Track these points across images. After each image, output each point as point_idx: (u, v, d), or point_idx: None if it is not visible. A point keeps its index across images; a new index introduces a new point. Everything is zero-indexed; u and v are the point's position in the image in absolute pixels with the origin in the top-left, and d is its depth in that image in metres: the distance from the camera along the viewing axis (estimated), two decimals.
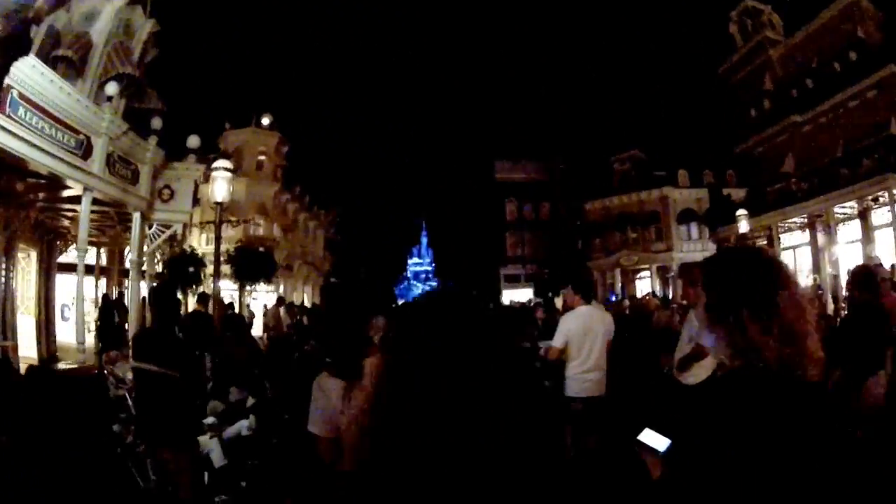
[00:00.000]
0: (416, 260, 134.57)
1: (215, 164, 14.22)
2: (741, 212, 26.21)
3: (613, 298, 44.47)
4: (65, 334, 18.30)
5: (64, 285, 19.70)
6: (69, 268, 21.03)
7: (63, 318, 20.11)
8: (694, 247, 50.66)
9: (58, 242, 20.00)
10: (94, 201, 14.86)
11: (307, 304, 42.58)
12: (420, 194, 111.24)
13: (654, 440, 2.49)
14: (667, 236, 51.60)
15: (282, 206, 45.69)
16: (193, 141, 17.57)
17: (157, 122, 16.90)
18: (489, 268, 66.72)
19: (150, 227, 17.98)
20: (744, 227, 26.05)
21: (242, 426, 8.48)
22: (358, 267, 70.95)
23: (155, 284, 16.61)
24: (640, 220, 52.71)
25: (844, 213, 28.27)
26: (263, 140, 44.97)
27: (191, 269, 19.15)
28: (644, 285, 52.45)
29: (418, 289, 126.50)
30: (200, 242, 38.89)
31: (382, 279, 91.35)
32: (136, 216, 16.42)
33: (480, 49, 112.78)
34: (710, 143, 49.31)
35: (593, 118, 63.58)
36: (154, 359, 5.97)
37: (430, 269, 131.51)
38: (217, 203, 13.92)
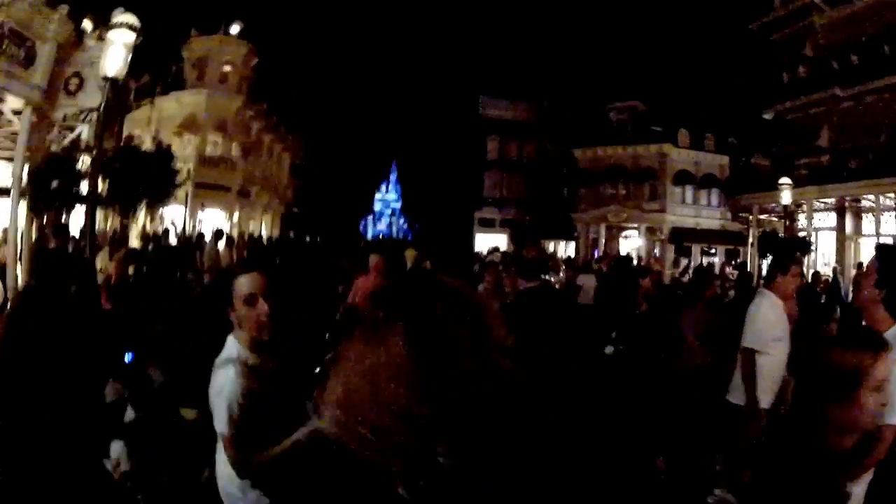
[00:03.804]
0: (383, 196, 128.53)
1: (113, 20, 9.38)
2: (785, 180, 22.73)
3: (597, 255, 41.79)
4: None
5: None
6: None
7: None
8: (687, 211, 48.80)
9: None
10: None
11: (265, 235, 38.64)
12: (393, 125, 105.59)
13: None
14: (661, 196, 48.39)
15: (244, 124, 41.30)
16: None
17: None
18: (463, 208, 62.54)
19: (50, 129, 13.32)
20: (787, 197, 22.78)
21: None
22: (323, 197, 66.79)
23: None
24: (633, 176, 49.30)
25: (882, 204, 26.13)
26: (231, 49, 40.44)
27: (54, 184, 12.52)
28: (629, 244, 49.62)
29: (383, 224, 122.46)
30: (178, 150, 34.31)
31: (348, 212, 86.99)
32: (26, 112, 11.71)
33: None
34: (718, 104, 46.33)
35: (591, 59, 58.98)
36: None
37: (397, 205, 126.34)
38: (107, 79, 9.18)
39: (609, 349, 9.74)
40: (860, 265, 24.11)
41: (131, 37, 9.31)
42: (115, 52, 9.17)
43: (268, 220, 48.05)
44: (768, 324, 5.96)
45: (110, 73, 9.12)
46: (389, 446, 1.82)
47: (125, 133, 22.37)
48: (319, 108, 70.17)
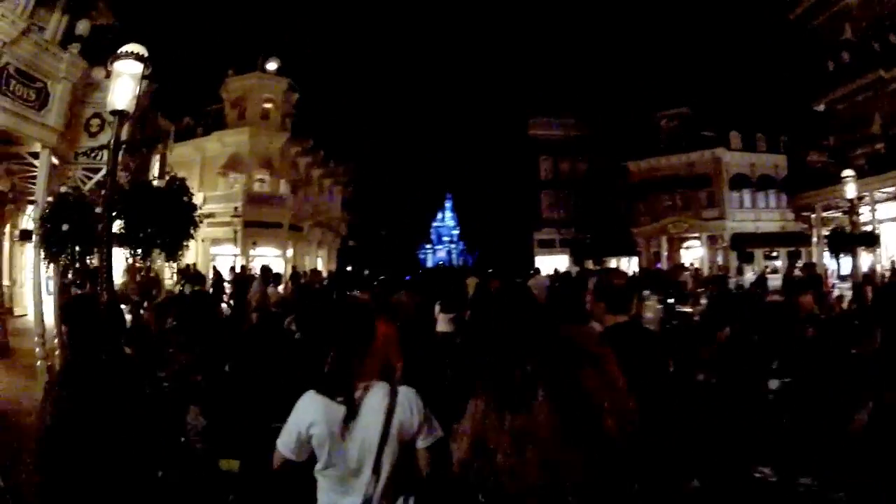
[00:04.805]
0: (440, 224, 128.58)
1: (120, 49, 8.99)
2: (848, 172, 21.66)
3: (659, 267, 41.17)
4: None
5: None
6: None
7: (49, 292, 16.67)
8: (747, 215, 47.96)
9: (3, 209, 16.85)
10: None
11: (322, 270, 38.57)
12: (445, 152, 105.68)
13: None
14: (718, 202, 47.56)
15: (291, 160, 41.69)
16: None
17: (82, 27, 12.12)
18: (521, 232, 62.00)
19: (72, 171, 13.18)
20: (851, 191, 21.55)
21: None
22: (378, 229, 67.00)
23: None
24: (689, 184, 48.50)
25: None
26: (270, 86, 40.87)
27: (64, 227, 11.34)
28: (691, 255, 48.84)
29: (442, 251, 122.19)
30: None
31: (405, 242, 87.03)
32: (44, 154, 11.64)
33: None
34: (766, 101, 45.25)
35: (636, 70, 58.29)
36: None
37: (455, 232, 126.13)
38: (115, 112, 8.80)
39: (774, 383, 8.53)
40: None
41: (138, 67, 8.93)
42: (123, 84, 8.82)
43: (323, 254, 48.06)
44: None
45: (119, 106, 8.73)
46: (526, 489, 2.05)
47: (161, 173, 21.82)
48: (368, 140, 70.40)
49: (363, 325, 3.49)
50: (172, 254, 13.45)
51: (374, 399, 3.28)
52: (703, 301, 17.02)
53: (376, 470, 3.22)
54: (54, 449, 3.54)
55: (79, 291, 11.65)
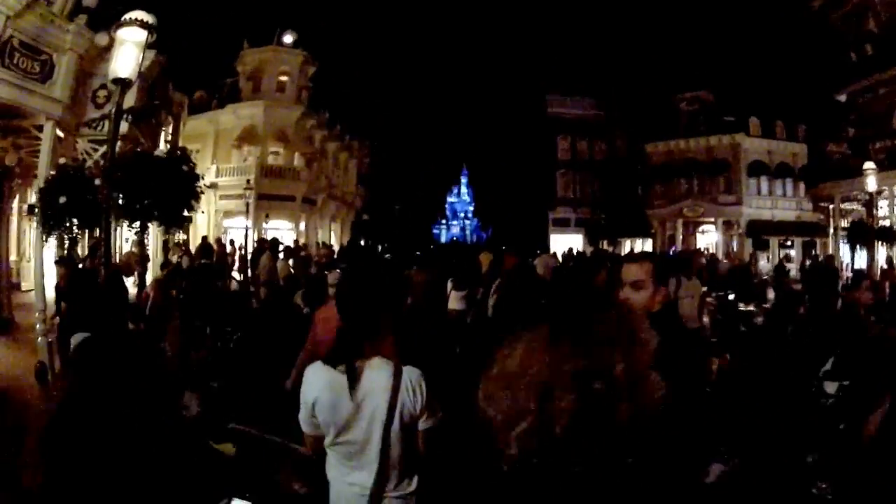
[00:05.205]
0: (455, 200, 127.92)
1: (125, 17, 8.58)
2: (869, 165, 21.32)
3: (673, 251, 40.91)
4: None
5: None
6: None
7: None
8: (763, 203, 47.68)
9: (10, 184, 16.30)
10: None
11: (335, 243, 38.64)
12: (462, 128, 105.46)
13: None
14: (735, 188, 47.36)
15: (306, 133, 41.61)
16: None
17: None
18: (536, 210, 61.88)
19: (79, 144, 13.08)
20: (872, 184, 21.23)
21: None
22: (393, 203, 66.84)
23: None
24: (707, 168, 48.30)
25: None
26: (285, 59, 40.79)
27: (61, 200, 10.89)
28: (706, 240, 49.24)
29: (456, 227, 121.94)
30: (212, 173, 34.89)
31: (420, 217, 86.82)
32: (48, 127, 11.45)
33: None
34: (787, 90, 44.72)
35: (657, 51, 57.60)
36: None
37: (470, 208, 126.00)
38: (117, 81, 8.47)
39: (832, 386, 7.00)
40: None
41: (142, 35, 8.60)
42: (126, 51, 8.52)
43: (336, 228, 48.13)
44: None
45: (121, 75, 8.43)
46: (518, 409, 1.97)
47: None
48: (386, 115, 70.11)
49: (376, 298, 3.39)
50: (171, 225, 13.21)
51: (379, 376, 3.22)
52: (771, 296, 15.45)
53: (384, 447, 3.21)
54: (60, 434, 3.39)
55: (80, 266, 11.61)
